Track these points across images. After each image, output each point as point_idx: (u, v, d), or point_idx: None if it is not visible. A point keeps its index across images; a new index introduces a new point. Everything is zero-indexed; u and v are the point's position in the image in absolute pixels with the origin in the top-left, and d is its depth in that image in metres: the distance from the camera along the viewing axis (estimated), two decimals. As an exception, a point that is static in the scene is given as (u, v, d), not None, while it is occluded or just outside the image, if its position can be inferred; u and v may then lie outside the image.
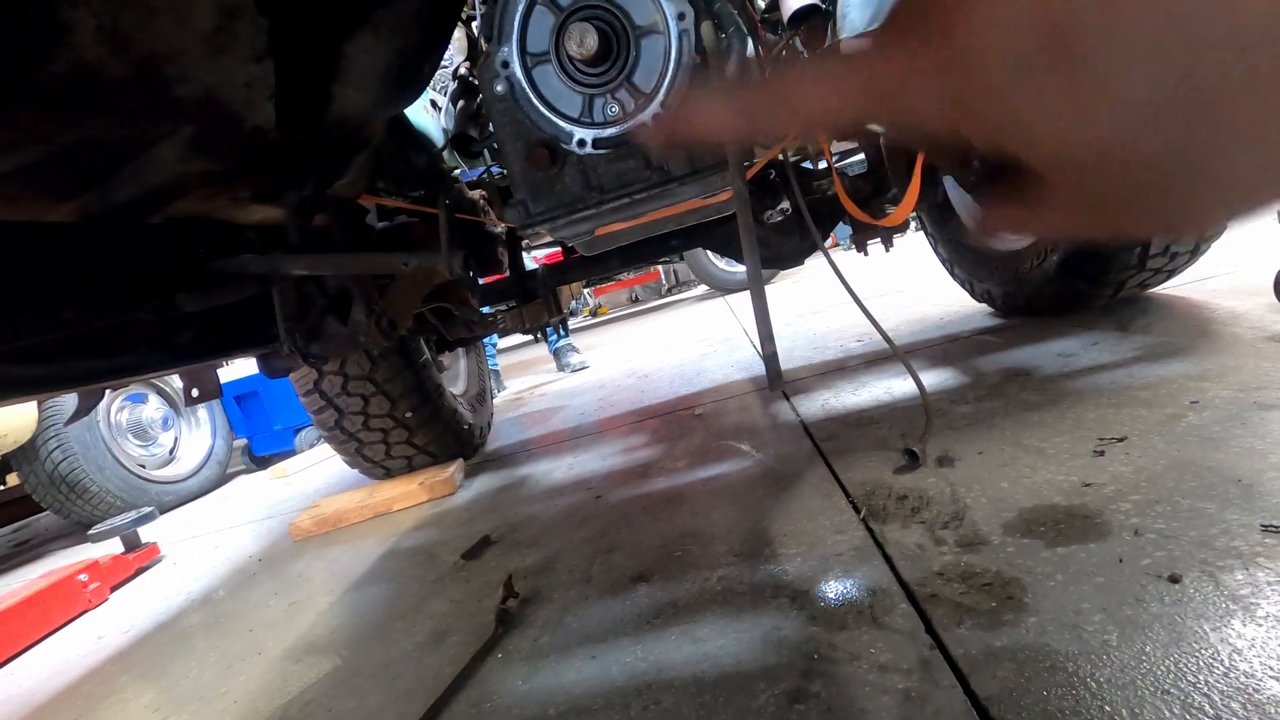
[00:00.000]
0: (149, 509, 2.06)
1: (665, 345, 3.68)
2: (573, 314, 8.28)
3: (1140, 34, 0.13)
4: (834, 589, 0.87)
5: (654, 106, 0.97)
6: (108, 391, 2.98)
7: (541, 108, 1.00)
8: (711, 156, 1.04)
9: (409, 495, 1.85)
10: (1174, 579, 0.70)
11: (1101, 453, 1.02)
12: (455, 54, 2.14)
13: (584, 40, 0.88)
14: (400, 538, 1.61)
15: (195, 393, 1.07)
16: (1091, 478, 0.95)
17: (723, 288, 5.66)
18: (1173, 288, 1.80)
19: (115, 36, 0.62)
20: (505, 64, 1.00)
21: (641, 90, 0.98)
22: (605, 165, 1.06)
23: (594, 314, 8.48)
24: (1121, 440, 1.03)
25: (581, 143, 1.00)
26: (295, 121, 0.85)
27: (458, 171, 1.94)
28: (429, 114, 1.82)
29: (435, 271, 0.97)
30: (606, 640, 0.91)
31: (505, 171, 1.08)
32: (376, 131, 1.09)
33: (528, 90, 0.98)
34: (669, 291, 8.49)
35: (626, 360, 3.53)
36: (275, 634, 1.26)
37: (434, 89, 2.03)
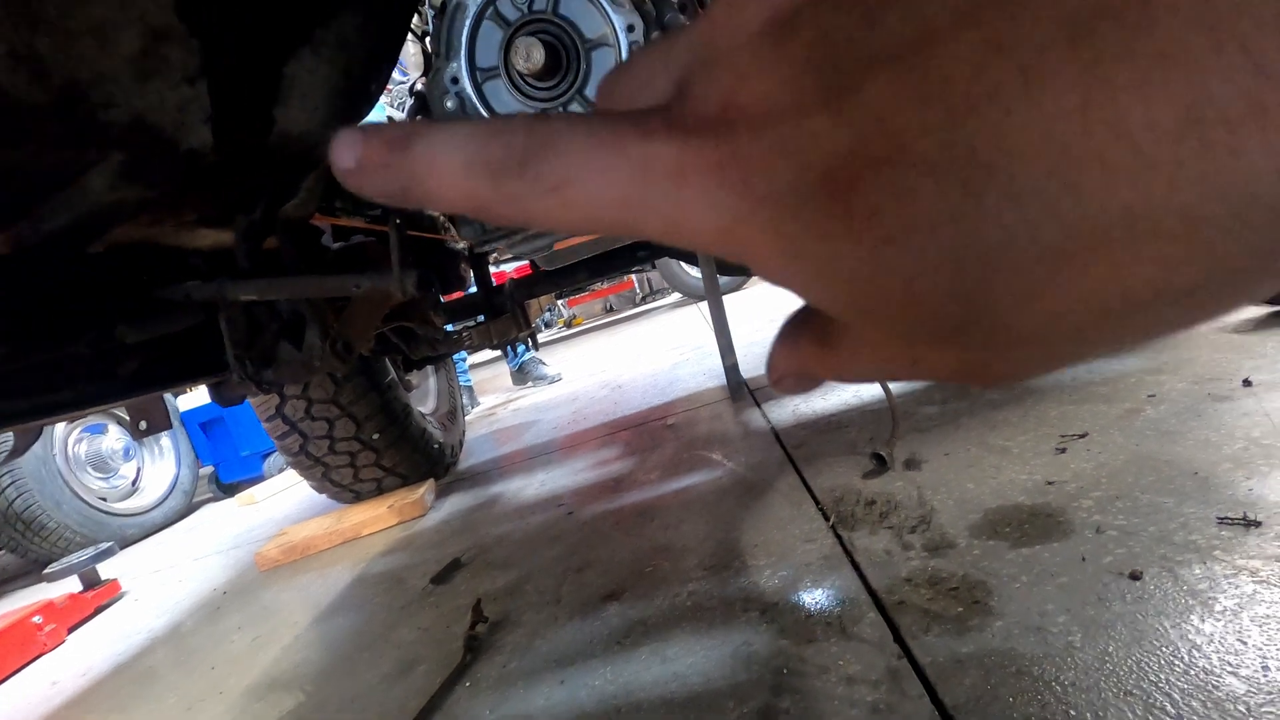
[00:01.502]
0: (108, 544, 1.99)
1: (638, 354, 3.67)
2: (547, 325, 8.26)
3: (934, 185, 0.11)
4: (803, 600, 0.86)
5: (607, 119, 0.97)
6: (65, 422, 2.89)
7: (493, 123, 0.98)
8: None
9: (378, 519, 1.81)
10: (1134, 576, 0.70)
11: (1064, 450, 1.02)
12: (412, 70, 2.12)
13: (530, 54, 0.87)
14: (369, 563, 1.57)
15: (144, 425, 1.03)
16: (1054, 475, 0.96)
17: (695, 295, 5.67)
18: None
19: (31, 62, 0.59)
20: (454, 79, 0.99)
21: (594, 103, 0.97)
22: (560, 179, 1.05)
23: (569, 325, 8.46)
24: (1083, 437, 1.05)
25: (535, 158, 0.99)
26: (235, 144, 0.82)
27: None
28: (386, 131, 1.81)
29: (392, 292, 0.95)
30: (576, 663, 0.89)
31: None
32: (326, 153, 1.06)
33: (478, 106, 0.97)
34: (643, 300, 8.50)
35: (600, 371, 3.52)
36: (238, 671, 1.22)
37: (392, 105, 2.01)
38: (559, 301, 8.00)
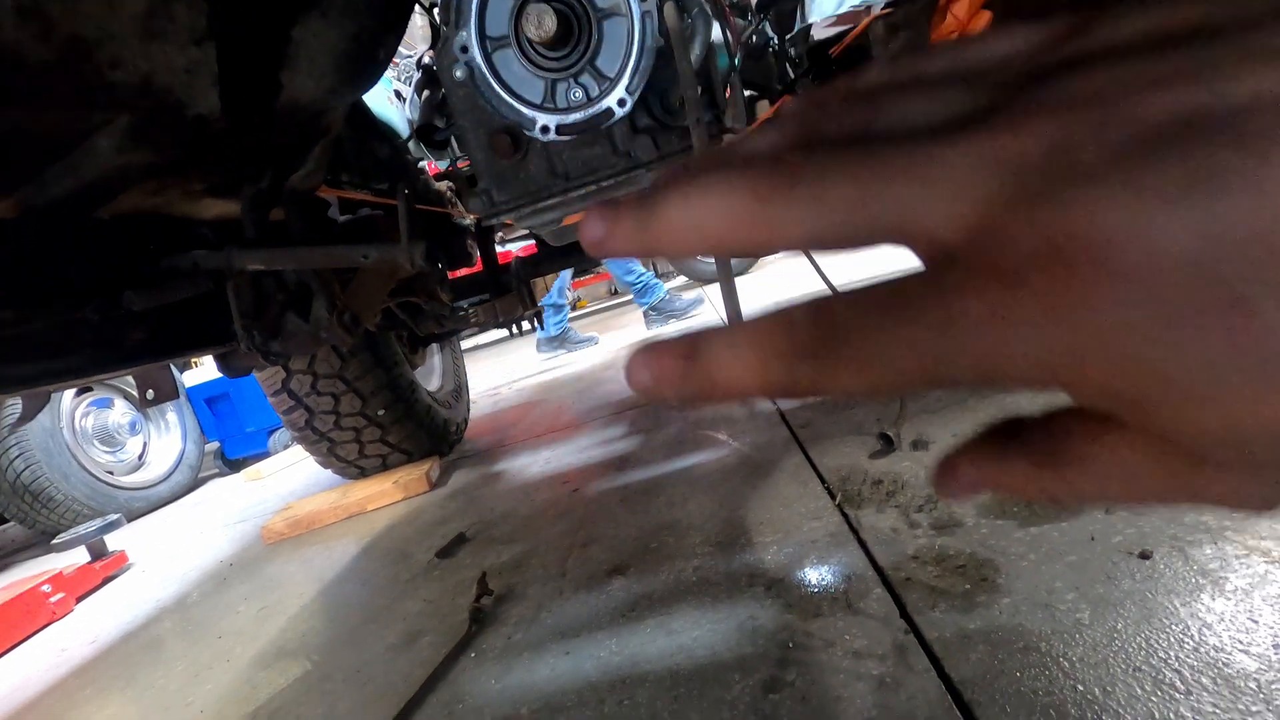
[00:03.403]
0: (115, 516, 2.01)
1: (645, 337, 3.66)
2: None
3: None
4: (809, 576, 0.86)
5: (619, 90, 0.95)
6: (72, 396, 2.90)
7: (503, 93, 0.97)
8: (679, 141, 1.03)
9: (383, 494, 1.81)
10: (1144, 555, 0.70)
11: (1073, 432, 1.02)
12: (419, 42, 2.10)
13: (542, 22, 0.85)
14: (375, 537, 1.58)
15: (151, 394, 1.03)
16: (1063, 457, 0.95)
17: (700, 278, 5.64)
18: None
19: (38, 19, 0.58)
20: (464, 49, 0.98)
21: (605, 74, 0.96)
22: (570, 152, 1.03)
23: (573, 307, 8.44)
24: (1092, 419, 1.04)
25: (545, 129, 0.98)
26: (243, 110, 0.81)
27: (425, 163, 1.90)
28: (394, 105, 1.78)
29: (400, 265, 0.94)
30: (581, 635, 0.89)
31: (469, 160, 1.06)
32: (335, 121, 1.05)
33: (488, 75, 0.96)
34: (648, 283, 8.46)
35: (606, 352, 3.51)
36: (245, 640, 1.23)
37: (399, 79, 1.99)
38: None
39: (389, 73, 1.90)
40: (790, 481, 1.16)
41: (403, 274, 1.24)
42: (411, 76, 1.97)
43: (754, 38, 1.71)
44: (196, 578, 1.74)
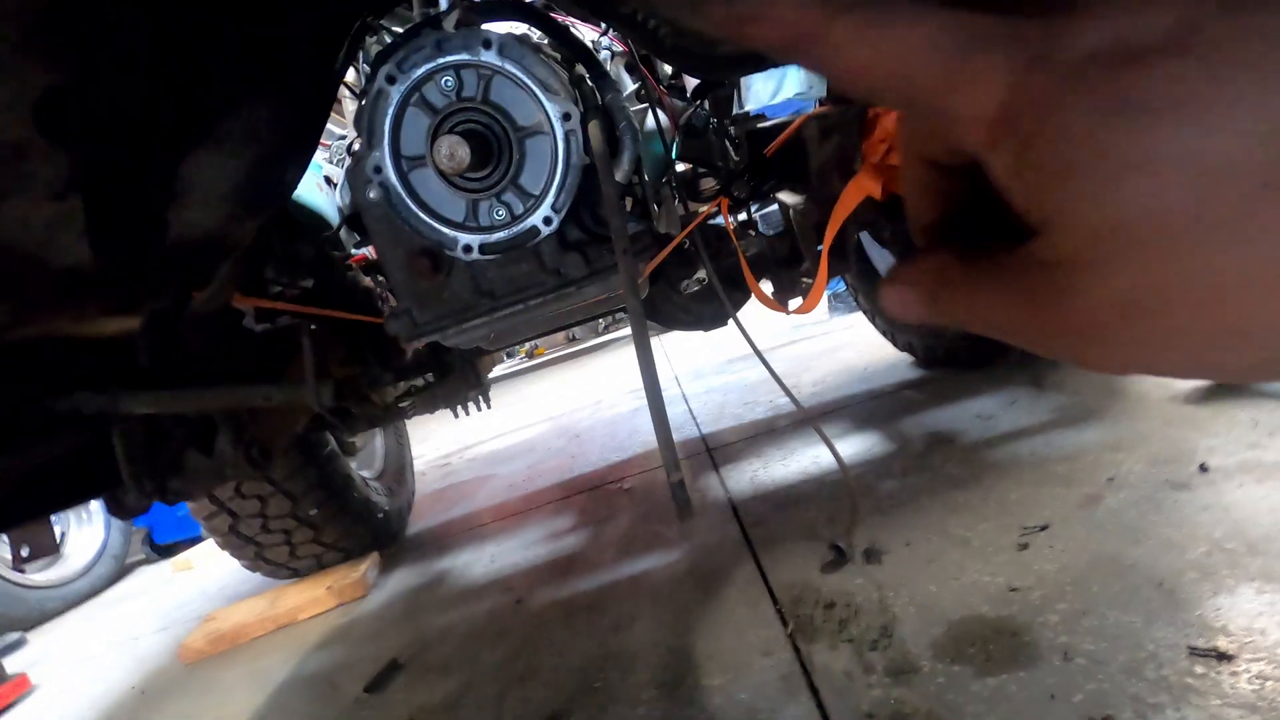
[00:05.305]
0: (16, 636, 1.83)
1: (599, 396, 3.60)
2: (509, 355, 8.12)
3: None
4: (760, 737, 0.79)
5: (545, 209, 0.91)
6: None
7: (421, 214, 0.91)
8: (612, 256, 0.98)
9: (316, 602, 1.69)
10: (1106, 721, 0.66)
11: (1025, 545, 0.99)
12: (352, 125, 2.04)
13: (455, 154, 0.80)
14: (303, 659, 1.46)
15: (26, 551, 0.92)
16: (1018, 579, 0.92)
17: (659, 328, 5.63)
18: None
19: None
20: (378, 169, 0.92)
21: (530, 192, 0.91)
22: (496, 270, 0.98)
23: (530, 355, 8.34)
24: (1044, 529, 1.01)
25: (468, 249, 0.92)
26: (122, 255, 0.74)
27: (359, 252, 1.83)
28: (323, 191, 1.71)
29: (307, 403, 0.86)
30: (513, 814, 0.80)
31: (388, 279, 1.00)
32: (244, 237, 0.98)
33: (404, 196, 0.90)
34: (606, 329, 8.44)
35: (559, 414, 3.43)
36: (145, 805, 1.10)
37: (330, 161, 1.92)
38: (520, 332, 7.87)
39: (319, 155, 1.83)
40: (741, 600, 1.10)
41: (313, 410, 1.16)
42: (343, 160, 1.91)
43: (693, 120, 1.71)
44: (105, 706, 1.57)
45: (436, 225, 0.93)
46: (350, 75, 1.78)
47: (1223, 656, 0.68)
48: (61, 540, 2.92)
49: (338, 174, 1.77)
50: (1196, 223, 0.14)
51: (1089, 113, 0.15)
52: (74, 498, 0.87)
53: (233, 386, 0.85)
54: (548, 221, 0.92)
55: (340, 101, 2.08)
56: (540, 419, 3.50)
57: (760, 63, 0.95)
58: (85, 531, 2.96)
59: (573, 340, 8.71)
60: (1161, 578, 0.83)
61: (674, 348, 4.37)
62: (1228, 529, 0.88)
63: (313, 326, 1.03)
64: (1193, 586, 0.80)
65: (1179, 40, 0.14)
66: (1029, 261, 0.17)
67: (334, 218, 1.66)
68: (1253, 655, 0.68)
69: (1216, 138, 0.14)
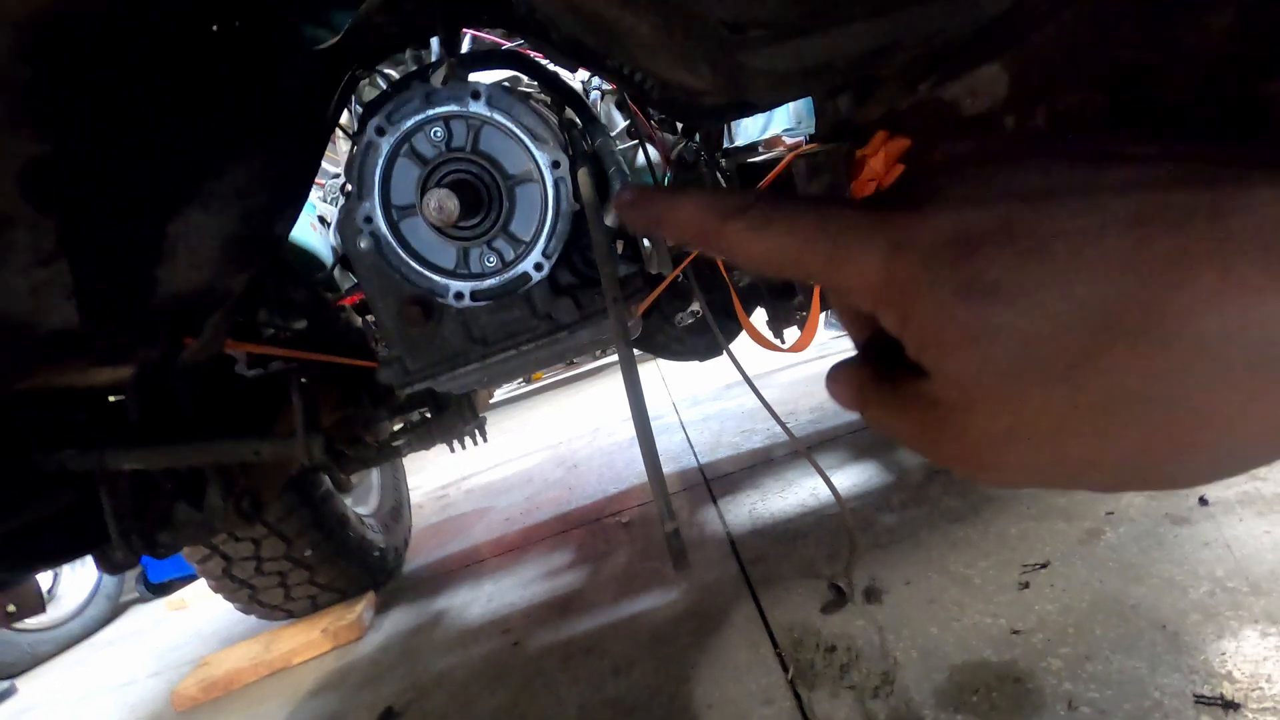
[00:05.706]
0: (6, 684, 1.79)
1: (596, 422, 3.59)
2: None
3: None
4: (761, 793, 0.77)
5: (535, 255, 0.91)
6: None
7: (412, 262, 0.92)
8: (600, 301, 0.98)
9: (311, 645, 1.66)
10: (1114, 776, 0.64)
11: (1027, 584, 0.98)
12: (344, 169, 2.05)
13: (444, 207, 0.80)
14: (297, 706, 1.43)
15: (12, 609, 0.91)
16: (1019, 621, 0.90)
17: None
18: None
19: None
20: (368, 219, 0.92)
21: (520, 238, 0.91)
22: (488, 316, 0.98)
23: (528, 380, 8.33)
24: (1044, 567, 1.00)
25: (459, 295, 0.92)
26: (110, 315, 0.74)
27: (352, 293, 1.83)
28: (316, 231, 1.72)
29: (296, 456, 0.85)
30: None
31: (379, 326, 1.00)
32: (234, 289, 0.98)
33: (395, 246, 0.90)
34: (604, 353, 8.43)
35: (557, 443, 3.42)
36: None
37: (324, 200, 1.93)
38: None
39: (313, 194, 1.84)
40: (741, 642, 1.08)
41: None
42: (337, 199, 1.92)
43: (684, 154, 1.72)
44: (95, 759, 1.54)
45: (427, 273, 0.93)
46: (344, 117, 1.79)
47: (1229, 705, 0.67)
48: (54, 580, 2.88)
49: (332, 213, 1.78)
50: (1029, 382, 0.17)
51: (943, 291, 0.18)
52: (61, 556, 0.86)
53: (221, 441, 0.84)
54: (539, 267, 0.92)
55: (334, 141, 2.09)
56: (538, 447, 3.48)
57: (744, 109, 0.96)
58: (79, 572, 2.92)
59: (570, 364, 8.70)
60: (1164, 619, 0.82)
61: (671, 373, 4.37)
62: (1229, 567, 0.87)
63: (303, 379, 1.02)
64: (1196, 629, 0.79)
65: (1003, 231, 0.18)
66: (924, 400, 0.20)
67: (328, 257, 1.66)
68: (1259, 705, 0.67)
69: (1030, 317, 0.17)
